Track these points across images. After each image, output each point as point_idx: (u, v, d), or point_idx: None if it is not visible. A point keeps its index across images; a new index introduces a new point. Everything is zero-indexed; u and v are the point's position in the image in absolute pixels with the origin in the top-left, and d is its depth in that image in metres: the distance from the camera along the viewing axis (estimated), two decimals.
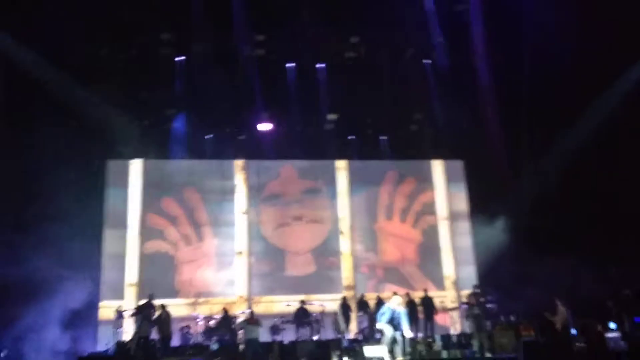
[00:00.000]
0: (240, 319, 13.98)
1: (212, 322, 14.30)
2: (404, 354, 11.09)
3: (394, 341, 10.98)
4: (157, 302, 13.84)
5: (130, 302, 15.34)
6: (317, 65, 16.78)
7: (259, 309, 15.41)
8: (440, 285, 17.30)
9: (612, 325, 13.98)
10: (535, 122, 16.16)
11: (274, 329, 14.20)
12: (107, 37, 15.13)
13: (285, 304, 14.85)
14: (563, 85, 14.78)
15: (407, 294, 15.27)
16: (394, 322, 11.02)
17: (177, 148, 16.83)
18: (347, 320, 15.05)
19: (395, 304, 11.27)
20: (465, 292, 15.92)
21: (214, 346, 12.98)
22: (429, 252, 17.79)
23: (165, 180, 17.16)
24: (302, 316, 14.55)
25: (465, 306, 14.94)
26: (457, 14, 15.99)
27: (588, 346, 13.05)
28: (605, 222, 15.27)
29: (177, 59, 16.16)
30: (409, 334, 11.22)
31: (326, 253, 17.37)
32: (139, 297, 14.58)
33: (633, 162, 15.12)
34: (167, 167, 17.29)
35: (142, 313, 13.04)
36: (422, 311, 15.15)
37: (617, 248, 14.23)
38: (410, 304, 14.79)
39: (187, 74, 16.23)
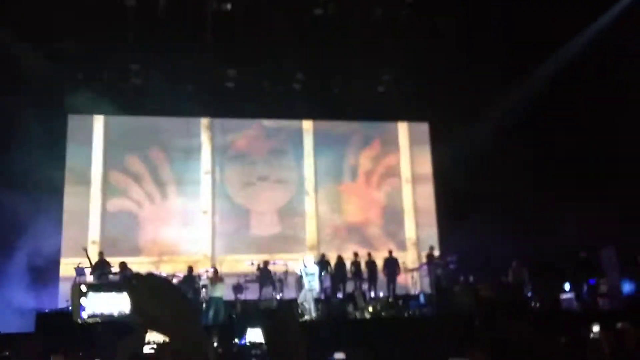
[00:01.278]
0: (203, 277, 14.03)
1: (175, 280, 14.30)
2: (315, 311, 11.56)
3: (304, 300, 11.48)
4: (117, 259, 13.76)
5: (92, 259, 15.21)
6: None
7: (223, 268, 15.43)
8: (402, 247, 17.55)
9: (567, 286, 14.45)
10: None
11: (237, 288, 14.28)
12: None
13: (249, 262, 14.90)
14: None
15: (369, 254, 15.51)
16: (302, 280, 11.62)
17: (140, 104, 16.47)
18: None
19: (307, 264, 11.86)
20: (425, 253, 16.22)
21: None
22: (392, 214, 17.99)
23: (129, 137, 16.88)
24: (265, 275, 14.64)
25: (425, 267, 15.25)
26: None
27: (542, 305, 13.54)
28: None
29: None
30: (315, 293, 11.77)
31: (291, 213, 17.43)
32: (102, 255, 14.45)
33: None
34: (130, 124, 16.98)
35: (97, 271, 12.96)
36: (384, 271, 15.39)
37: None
38: (371, 264, 15.04)
39: (150, 26, 15.76)
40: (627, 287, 14.35)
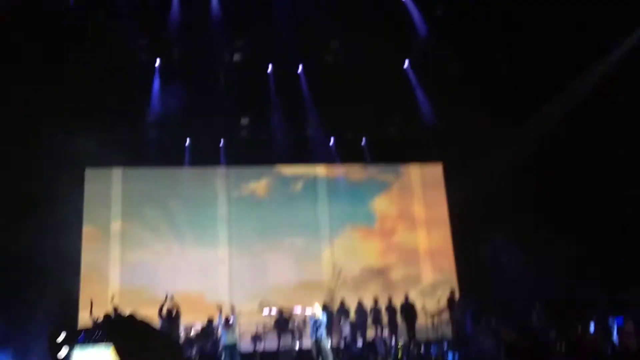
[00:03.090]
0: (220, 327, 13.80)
1: (193, 331, 14.16)
2: None
3: (318, 350, 11.29)
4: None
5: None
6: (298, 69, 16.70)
7: (242, 318, 15.27)
8: (423, 292, 17.32)
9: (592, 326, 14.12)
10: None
11: (256, 338, 14.11)
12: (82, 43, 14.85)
13: (266, 311, 14.73)
14: None
15: (389, 299, 15.34)
16: (316, 330, 11.41)
17: (156, 155, 16.63)
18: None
19: (315, 312, 11.71)
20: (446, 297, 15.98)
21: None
22: (410, 258, 17.86)
23: (146, 188, 17.04)
24: (282, 324, 14.47)
25: (445, 311, 15.02)
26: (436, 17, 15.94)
27: (567, 348, 13.19)
28: None
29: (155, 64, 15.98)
30: (327, 341, 11.60)
31: (309, 259, 17.35)
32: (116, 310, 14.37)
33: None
34: (147, 175, 17.15)
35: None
36: (403, 317, 15.17)
37: None
38: (391, 310, 14.85)
39: (165, 79, 16.05)
40: None
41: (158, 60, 15.91)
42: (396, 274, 17.65)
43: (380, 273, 17.59)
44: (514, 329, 13.88)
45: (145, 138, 16.61)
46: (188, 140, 17.14)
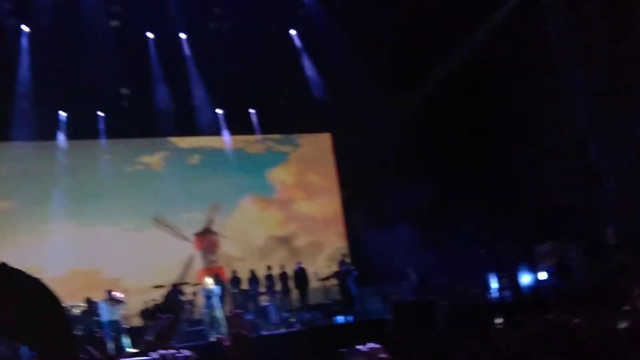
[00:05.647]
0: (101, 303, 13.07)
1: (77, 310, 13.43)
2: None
3: (211, 320, 11.40)
4: None
5: None
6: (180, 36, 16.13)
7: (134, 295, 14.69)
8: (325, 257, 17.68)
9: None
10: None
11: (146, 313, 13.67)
12: None
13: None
14: None
15: (281, 267, 15.45)
16: (209, 301, 11.56)
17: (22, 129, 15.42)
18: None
19: (207, 284, 11.89)
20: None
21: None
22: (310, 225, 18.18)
23: (22, 165, 15.93)
24: (174, 297, 14.14)
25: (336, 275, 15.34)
26: None
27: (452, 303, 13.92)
28: None
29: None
30: (219, 311, 11.77)
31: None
32: None
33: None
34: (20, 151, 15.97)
35: None
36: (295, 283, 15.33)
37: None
38: (283, 277, 14.97)
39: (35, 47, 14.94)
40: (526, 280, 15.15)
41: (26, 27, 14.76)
42: (300, 242, 17.89)
43: (284, 242, 17.74)
44: (398, 290, 14.50)
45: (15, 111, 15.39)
46: (63, 113, 16.15)
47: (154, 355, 1.46)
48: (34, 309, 1.17)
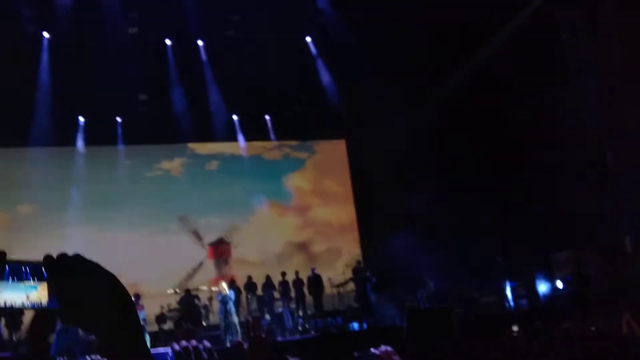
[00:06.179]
0: None
1: None
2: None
3: (226, 325, 11.44)
4: None
5: None
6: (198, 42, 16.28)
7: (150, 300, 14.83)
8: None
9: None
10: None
11: (160, 318, 13.78)
12: None
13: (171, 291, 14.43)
14: None
15: (296, 273, 15.44)
16: (226, 306, 11.58)
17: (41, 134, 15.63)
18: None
19: (222, 289, 11.93)
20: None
21: None
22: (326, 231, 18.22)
23: (43, 170, 16.15)
24: (189, 302, 14.20)
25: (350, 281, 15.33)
26: None
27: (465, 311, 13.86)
28: None
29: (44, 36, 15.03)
30: (235, 317, 11.81)
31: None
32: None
33: None
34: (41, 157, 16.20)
35: None
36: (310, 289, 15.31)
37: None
38: (298, 283, 14.98)
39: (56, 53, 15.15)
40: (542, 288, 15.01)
41: (46, 34, 14.99)
42: (317, 248, 17.97)
43: (302, 248, 17.80)
44: (414, 297, 14.45)
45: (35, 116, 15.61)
46: (82, 118, 16.36)
47: (176, 346, 1.51)
48: (108, 301, 1.19)
